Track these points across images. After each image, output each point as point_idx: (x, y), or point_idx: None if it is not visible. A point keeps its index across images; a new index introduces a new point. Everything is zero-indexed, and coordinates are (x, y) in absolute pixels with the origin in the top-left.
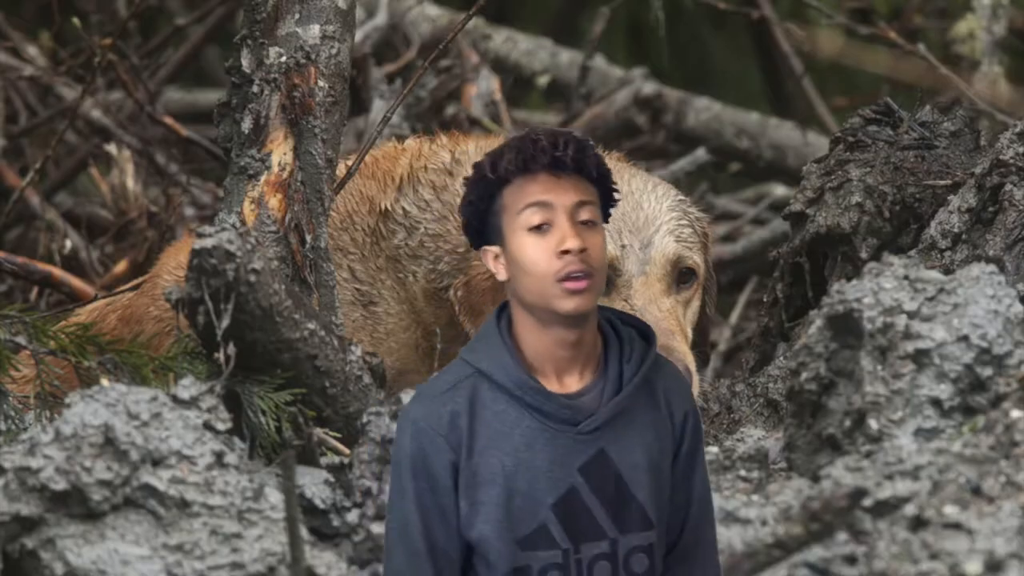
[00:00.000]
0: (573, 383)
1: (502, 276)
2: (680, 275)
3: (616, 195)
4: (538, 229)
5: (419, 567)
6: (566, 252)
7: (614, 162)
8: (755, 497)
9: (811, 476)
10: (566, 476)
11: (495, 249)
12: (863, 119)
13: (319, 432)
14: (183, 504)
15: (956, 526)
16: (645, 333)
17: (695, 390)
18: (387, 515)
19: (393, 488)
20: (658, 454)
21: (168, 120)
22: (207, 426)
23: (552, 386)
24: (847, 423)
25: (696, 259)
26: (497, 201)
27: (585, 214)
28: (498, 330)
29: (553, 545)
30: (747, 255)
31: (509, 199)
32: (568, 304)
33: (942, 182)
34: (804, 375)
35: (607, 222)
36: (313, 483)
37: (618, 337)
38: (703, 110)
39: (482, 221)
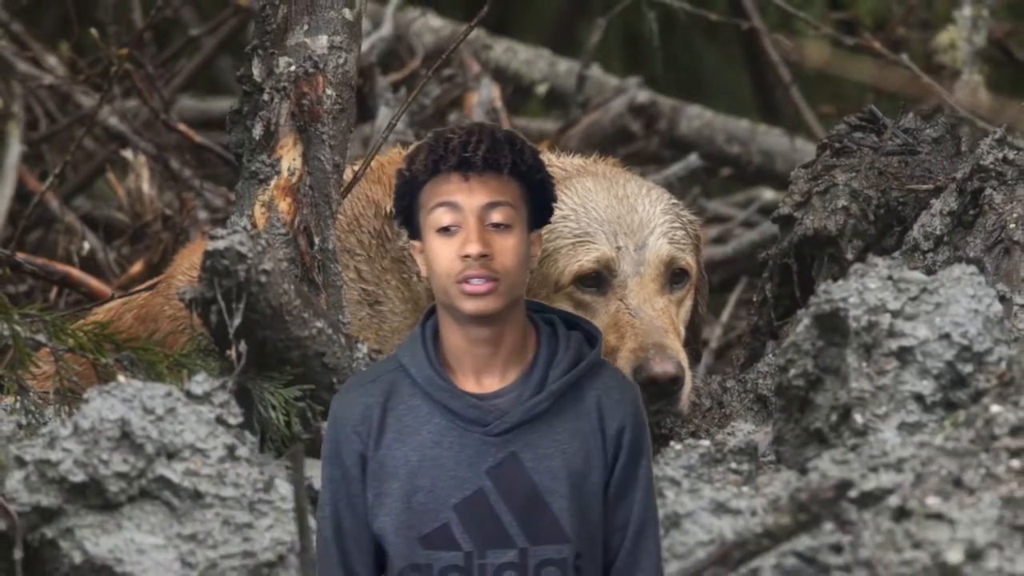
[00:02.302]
0: (493, 383)
1: (424, 272)
2: (673, 275)
3: (549, 188)
4: (446, 231)
5: (327, 552)
6: (467, 256)
7: (611, 167)
8: (745, 489)
9: (799, 468)
10: (473, 477)
11: (419, 244)
12: (849, 126)
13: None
14: (196, 495)
15: (938, 516)
16: (592, 338)
17: (687, 386)
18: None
19: (320, 476)
20: (582, 465)
21: (182, 127)
22: (219, 420)
23: (468, 385)
24: (833, 418)
25: (689, 260)
26: (416, 199)
27: (496, 216)
28: (422, 327)
29: (455, 547)
30: (737, 256)
31: (424, 198)
32: (469, 306)
33: (925, 186)
34: (792, 371)
35: (547, 220)
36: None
37: (555, 340)
38: (695, 117)
39: (407, 218)
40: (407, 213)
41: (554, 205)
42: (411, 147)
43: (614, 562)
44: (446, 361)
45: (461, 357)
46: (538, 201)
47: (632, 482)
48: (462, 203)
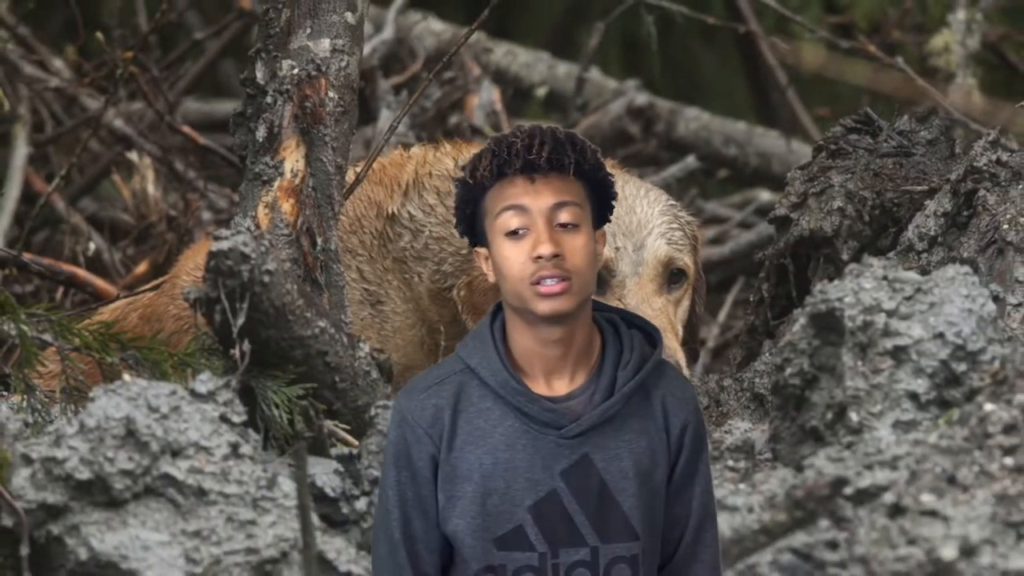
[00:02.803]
0: (562, 386)
1: (492, 277)
2: (671, 276)
3: (610, 186)
4: (515, 234)
5: (396, 555)
6: (539, 257)
7: (609, 169)
8: (742, 486)
9: (795, 466)
10: (547, 479)
11: (484, 251)
12: (844, 128)
13: (329, 424)
14: (201, 492)
15: (932, 513)
16: (651, 337)
17: None
18: (377, 503)
19: (382, 477)
20: (649, 463)
21: (186, 129)
22: (223, 419)
23: (539, 388)
24: (829, 416)
25: (686, 260)
26: (480, 205)
27: (564, 216)
28: (490, 329)
29: (529, 547)
30: (734, 257)
31: (489, 203)
32: (543, 307)
33: (919, 188)
34: (788, 370)
35: (608, 219)
36: (324, 473)
37: (619, 340)
38: (693, 120)
39: (470, 224)
40: (470, 220)
41: (614, 203)
42: (470, 155)
43: (673, 555)
44: (515, 363)
45: (532, 359)
46: (600, 199)
47: (693, 477)
48: (529, 205)
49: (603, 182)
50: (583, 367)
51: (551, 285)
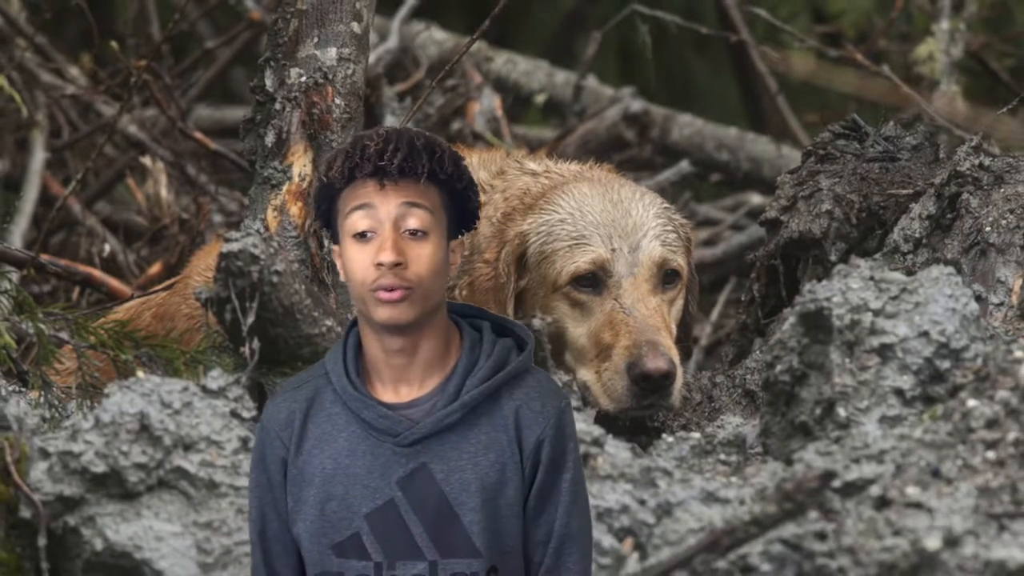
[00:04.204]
0: (409, 393)
1: (343, 277)
2: (665, 276)
3: (471, 196)
4: (362, 236)
5: (255, 554)
6: (380, 264)
7: (606, 173)
8: (734, 479)
9: (785, 460)
10: (384, 487)
11: (338, 249)
12: (832, 134)
13: None
14: (212, 485)
15: (917, 505)
16: (524, 344)
17: (679, 382)
18: None
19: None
20: (496, 478)
21: (198, 135)
22: (234, 414)
23: (386, 394)
24: (818, 411)
25: (680, 261)
26: (335, 204)
27: (412, 222)
28: (347, 334)
29: (365, 556)
30: (726, 258)
31: (341, 203)
32: (382, 313)
33: (904, 191)
34: (779, 367)
35: (473, 226)
36: None
37: (479, 348)
38: (686, 125)
39: (327, 222)
40: (326, 218)
41: (478, 212)
42: (329, 153)
43: None
44: (366, 370)
45: (379, 366)
46: (459, 209)
47: (552, 496)
48: (378, 207)
49: (463, 192)
50: (435, 375)
51: (390, 293)
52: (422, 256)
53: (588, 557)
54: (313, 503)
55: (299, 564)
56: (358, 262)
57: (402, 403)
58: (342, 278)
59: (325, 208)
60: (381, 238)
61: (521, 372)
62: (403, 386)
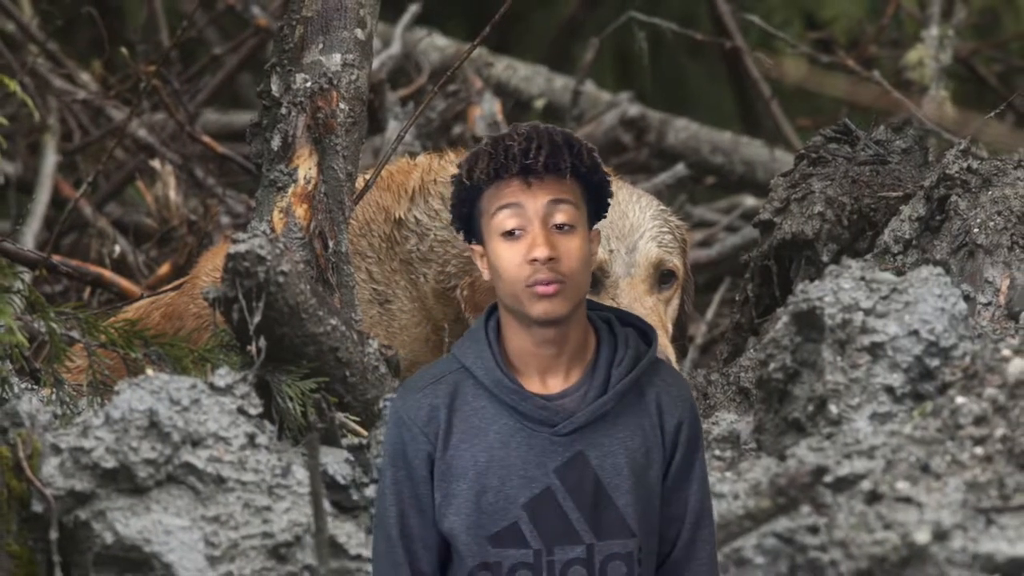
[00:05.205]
0: (557, 384)
1: (487, 276)
2: (662, 276)
3: (606, 187)
4: (511, 235)
5: (393, 553)
6: (535, 260)
7: None
8: (728, 474)
9: (778, 455)
10: (541, 476)
11: (480, 249)
12: (824, 138)
13: (340, 416)
14: (219, 480)
15: (907, 500)
16: (646, 335)
17: None
18: (376, 501)
19: (380, 476)
20: (644, 460)
21: (206, 138)
22: (240, 411)
23: (534, 386)
24: (810, 408)
25: (676, 262)
26: (477, 205)
27: (560, 217)
28: (485, 328)
29: (524, 544)
30: (721, 259)
31: (485, 203)
32: (538, 308)
33: (895, 194)
34: (772, 365)
35: (603, 216)
36: (335, 461)
37: (614, 338)
38: (682, 130)
39: (467, 223)
40: (466, 219)
41: (610, 200)
42: (466, 154)
43: (671, 552)
44: (510, 362)
45: (526, 359)
46: (597, 199)
47: (689, 475)
48: (526, 205)
49: (599, 182)
50: (578, 365)
51: (545, 287)
52: (572, 250)
53: (715, 531)
54: (467, 496)
55: (438, 559)
56: (509, 260)
57: (554, 394)
58: (485, 277)
59: (467, 211)
60: (532, 235)
61: (654, 360)
62: (549, 377)
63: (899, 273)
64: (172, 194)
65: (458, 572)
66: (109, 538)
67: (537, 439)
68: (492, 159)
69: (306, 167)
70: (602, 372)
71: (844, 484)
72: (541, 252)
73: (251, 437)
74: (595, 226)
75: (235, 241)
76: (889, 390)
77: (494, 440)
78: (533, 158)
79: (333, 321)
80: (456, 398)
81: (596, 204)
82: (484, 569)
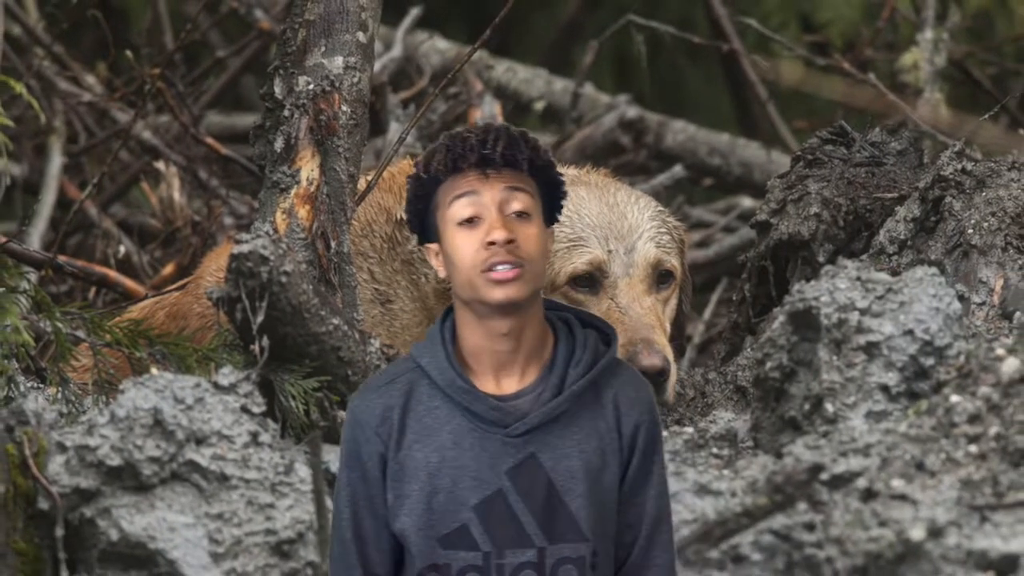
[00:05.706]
0: (512, 384)
1: (442, 273)
2: (660, 276)
3: (560, 184)
4: (468, 223)
5: (347, 555)
6: (492, 243)
7: (602, 177)
8: (725, 472)
9: (775, 453)
10: (493, 478)
11: (435, 247)
12: (820, 139)
13: (342, 415)
14: (223, 478)
15: (902, 497)
16: (607, 336)
17: (673, 378)
18: (332, 503)
19: (336, 478)
20: (599, 463)
21: (210, 140)
22: (244, 409)
23: (488, 386)
24: (806, 407)
25: (674, 262)
26: (432, 199)
27: (517, 204)
28: (440, 328)
29: (473, 547)
30: (718, 259)
31: (441, 196)
32: (496, 294)
33: (890, 195)
34: (769, 364)
35: (557, 219)
36: (337, 459)
37: (572, 339)
38: (680, 132)
39: (421, 220)
40: (421, 215)
41: (563, 203)
42: (423, 152)
43: (627, 558)
44: (464, 361)
45: (481, 356)
46: (551, 197)
47: (647, 478)
48: (483, 192)
49: (554, 181)
50: (534, 366)
51: (504, 271)
52: (530, 236)
53: (673, 537)
54: (418, 497)
55: (392, 560)
56: (466, 248)
57: (508, 395)
58: (440, 274)
59: (422, 207)
60: (489, 221)
61: (613, 362)
62: (504, 377)
63: (894, 273)
64: (176, 195)
65: (409, 573)
66: (114, 535)
67: (490, 440)
68: (449, 151)
69: (309, 168)
70: (558, 373)
71: (840, 482)
72: (500, 235)
73: (254, 435)
74: (550, 227)
75: (239, 242)
76: (884, 389)
77: (447, 441)
78: (491, 149)
79: (335, 321)
80: (411, 398)
81: (550, 203)
82: (433, 571)
